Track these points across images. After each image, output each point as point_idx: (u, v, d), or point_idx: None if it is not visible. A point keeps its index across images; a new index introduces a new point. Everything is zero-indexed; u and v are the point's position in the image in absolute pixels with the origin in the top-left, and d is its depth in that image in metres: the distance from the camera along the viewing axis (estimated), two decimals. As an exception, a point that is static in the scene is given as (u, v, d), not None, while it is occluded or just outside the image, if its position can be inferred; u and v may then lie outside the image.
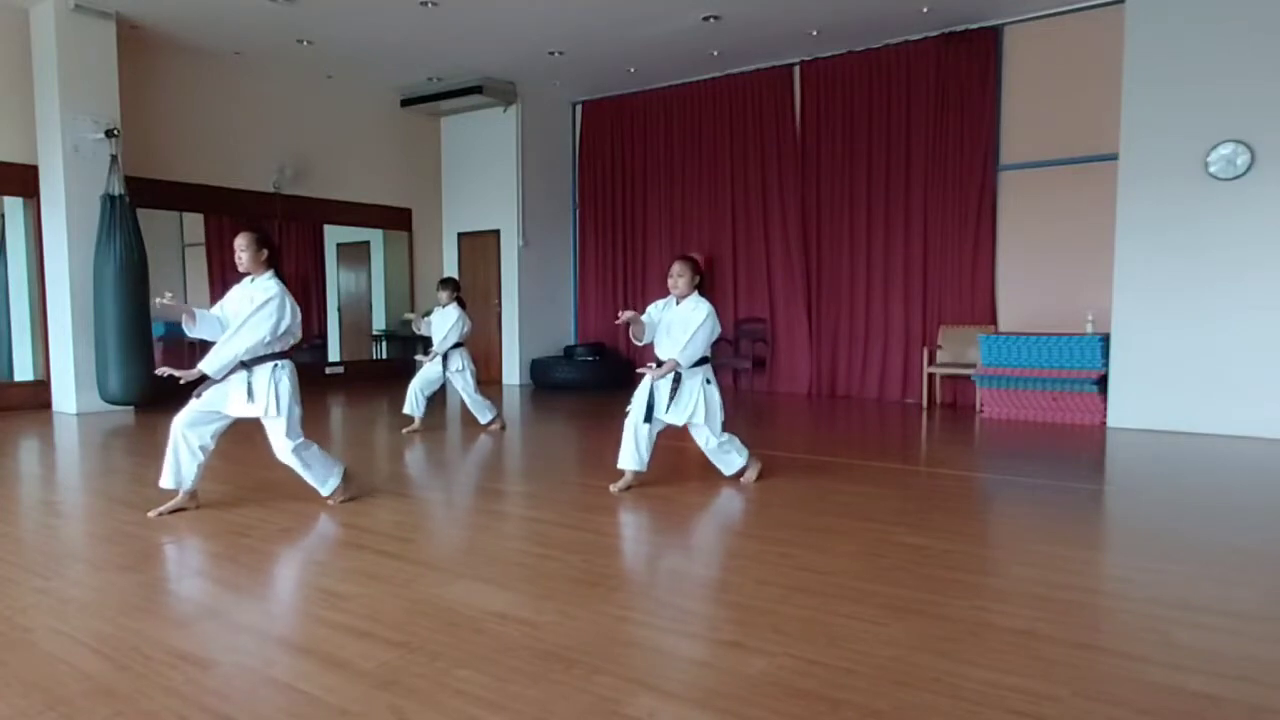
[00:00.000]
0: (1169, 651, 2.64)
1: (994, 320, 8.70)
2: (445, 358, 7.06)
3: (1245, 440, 6.63)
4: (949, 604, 3.04)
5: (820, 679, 2.43)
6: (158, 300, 4.32)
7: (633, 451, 4.86)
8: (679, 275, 4.84)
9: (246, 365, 4.21)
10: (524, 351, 11.31)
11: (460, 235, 11.91)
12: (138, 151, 8.84)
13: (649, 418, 4.82)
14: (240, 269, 4.33)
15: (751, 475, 5.10)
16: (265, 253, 4.34)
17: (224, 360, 4.15)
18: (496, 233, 11.46)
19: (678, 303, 4.89)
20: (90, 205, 8.03)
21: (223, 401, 4.26)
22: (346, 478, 4.60)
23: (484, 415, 7.19)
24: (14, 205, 8.59)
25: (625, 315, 4.79)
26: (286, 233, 10.33)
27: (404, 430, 7.08)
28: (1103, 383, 7.45)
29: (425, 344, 7.38)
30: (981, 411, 8.15)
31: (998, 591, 3.26)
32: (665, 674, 2.47)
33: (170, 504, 4.35)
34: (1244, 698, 2.34)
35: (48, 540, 4.08)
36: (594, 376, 10.77)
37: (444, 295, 7.10)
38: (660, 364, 4.81)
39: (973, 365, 8.26)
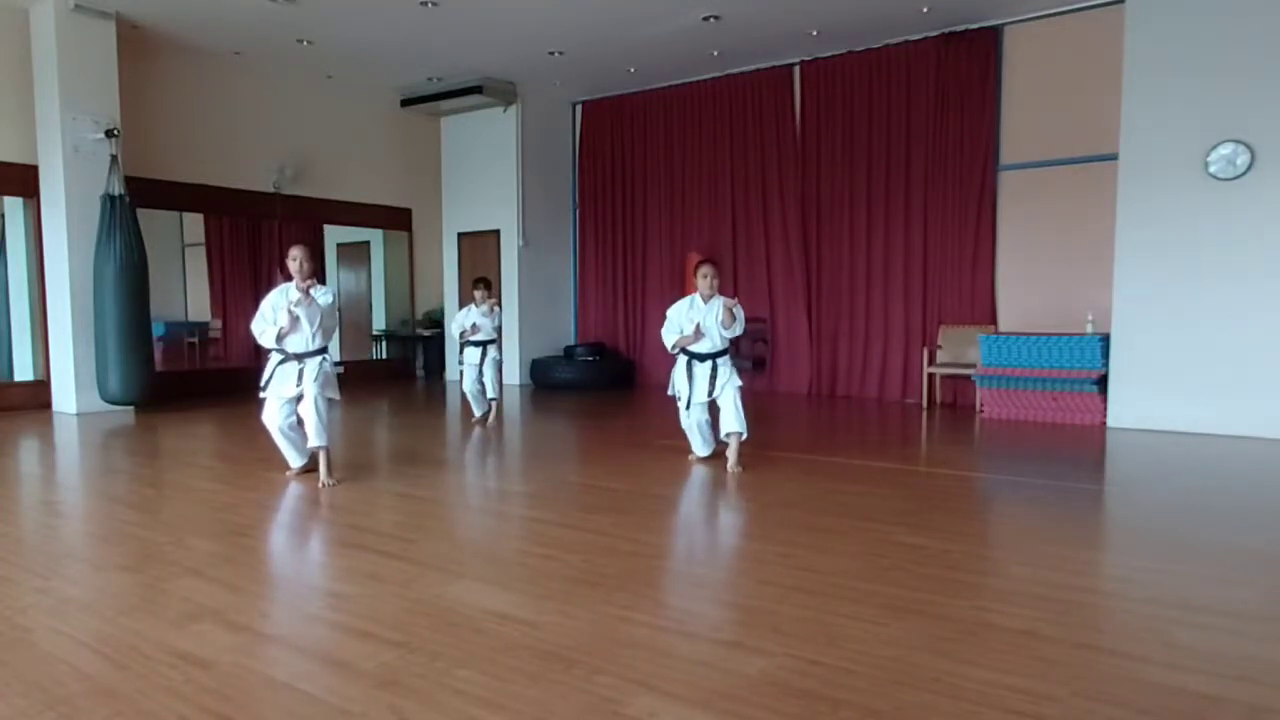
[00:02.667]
0: (1169, 651, 2.64)
1: (994, 320, 8.70)
2: (484, 349, 7.60)
3: (1245, 440, 6.63)
4: (949, 604, 3.04)
5: (820, 679, 2.43)
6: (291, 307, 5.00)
7: (699, 441, 5.69)
8: (715, 277, 5.49)
9: (299, 358, 5.02)
10: (524, 351, 11.31)
11: (460, 235, 11.91)
12: (138, 151, 8.84)
13: (689, 405, 5.55)
14: (304, 277, 4.95)
15: (733, 461, 5.42)
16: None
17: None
18: (496, 233, 11.46)
19: (705, 302, 5.48)
20: (90, 205, 8.02)
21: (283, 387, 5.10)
22: (312, 458, 5.18)
23: (483, 407, 7.66)
24: (14, 205, 8.59)
25: (690, 337, 5.45)
26: (286, 233, 10.32)
27: (473, 422, 7.68)
28: (1103, 383, 7.45)
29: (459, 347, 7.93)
30: (981, 411, 8.15)
31: (998, 591, 3.26)
32: (665, 674, 2.47)
33: (300, 468, 5.28)
34: (1244, 698, 2.34)
35: (48, 540, 4.08)
36: (594, 376, 10.77)
37: (482, 294, 7.69)
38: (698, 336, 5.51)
39: (973, 365, 8.26)
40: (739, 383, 5.49)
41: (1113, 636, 2.84)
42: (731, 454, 5.42)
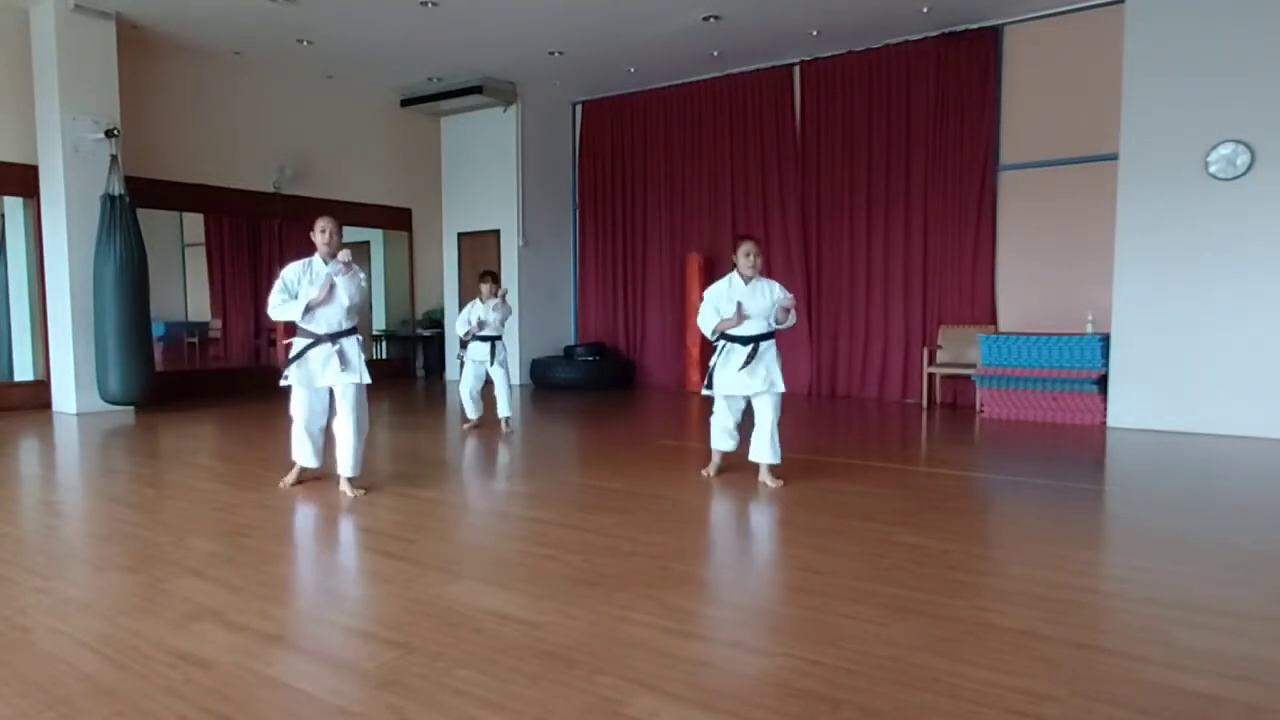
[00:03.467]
0: (1169, 651, 2.64)
1: (994, 320, 8.70)
2: (492, 348, 7.32)
3: (1245, 440, 6.63)
4: (949, 604, 3.04)
5: (820, 679, 2.43)
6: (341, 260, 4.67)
7: (725, 436, 5.22)
8: (759, 255, 4.95)
9: (332, 338, 4.69)
10: (524, 351, 11.31)
11: (460, 235, 11.91)
12: (138, 151, 8.84)
13: (710, 385, 5.06)
14: (330, 250, 4.66)
15: (769, 479, 5.01)
16: None
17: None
18: (496, 233, 11.46)
19: (746, 283, 4.95)
20: (90, 205, 8.02)
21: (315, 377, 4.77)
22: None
23: (504, 409, 7.31)
24: (14, 205, 8.59)
25: (731, 320, 4.88)
26: (286, 233, 10.33)
27: (464, 428, 7.37)
28: (1103, 383, 7.45)
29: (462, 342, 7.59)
30: (981, 411, 8.15)
31: (998, 591, 3.26)
32: (665, 674, 2.47)
33: (296, 476, 5.04)
34: (1244, 698, 2.34)
35: (48, 540, 4.08)
36: (594, 376, 10.77)
37: (489, 288, 7.36)
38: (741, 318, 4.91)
39: (973, 365, 8.26)
40: (780, 389, 4.96)
41: (1113, 636, 2.84)
42: (764, 476, 5.02)
